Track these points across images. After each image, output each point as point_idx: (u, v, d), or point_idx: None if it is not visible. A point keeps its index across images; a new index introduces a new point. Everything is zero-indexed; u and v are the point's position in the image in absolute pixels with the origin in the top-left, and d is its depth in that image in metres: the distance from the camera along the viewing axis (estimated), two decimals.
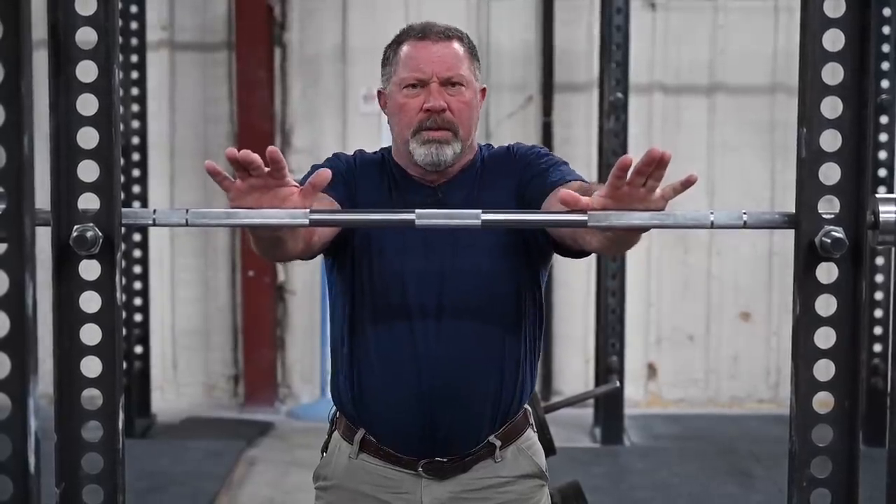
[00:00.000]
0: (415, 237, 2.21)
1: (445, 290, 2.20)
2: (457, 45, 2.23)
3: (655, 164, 1.66)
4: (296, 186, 1.78)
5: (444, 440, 2.23)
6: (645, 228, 1.75)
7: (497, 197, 2.23)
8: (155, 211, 1.62)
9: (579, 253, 2.18)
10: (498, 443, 2.26)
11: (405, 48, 2.24)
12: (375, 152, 2.36)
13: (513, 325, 2.25)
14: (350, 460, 2.28)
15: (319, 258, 2.30)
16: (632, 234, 1.91)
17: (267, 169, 1.73)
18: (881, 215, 1.51)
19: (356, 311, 2.25)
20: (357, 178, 2.27)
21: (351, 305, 2.26)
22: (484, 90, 2.30)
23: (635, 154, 1.65)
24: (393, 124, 2.26)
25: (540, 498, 2.33)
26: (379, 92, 2.32)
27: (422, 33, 2.24)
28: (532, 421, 2.36)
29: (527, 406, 2.34)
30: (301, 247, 2.05)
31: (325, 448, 2.36)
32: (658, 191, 1.69)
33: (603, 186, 1.72)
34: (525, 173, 2.24)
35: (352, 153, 2.35)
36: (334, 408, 2.36)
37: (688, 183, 1.67)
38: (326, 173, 1.80)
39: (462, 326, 2.21)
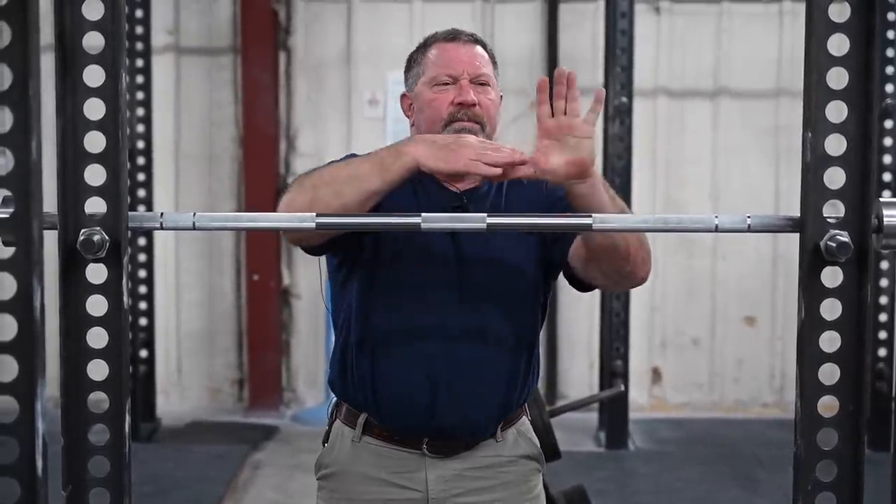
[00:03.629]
0: None
1: (467, 279, 2.22)
2: (481, 50, 2.30)
3: (565, 82, 1.91)
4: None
5: (451, 428, 2.24)
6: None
7: (523, 211, 2.23)
8: (162, 214, 1.63)
9: (589, 286, 2.30)
10: (499, 424, 2.30)
11: (433, 50, 2.29)
12: None
13: (528, 323, 2.29)
14: (353, 444, 2.29)
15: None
16: (632, 266, 2.22)
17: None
18: (885, 219, 1.51)
19: (374, 294, 2.24)
20: None
21: (368, 291, 2.25)
22: (501, 97, 2.32)
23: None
24: (421, 121, 2.28)
25: (536, 483, 2.36)
26: (403, 95, 2.35)
27: (450, 36, 2.30)
28: (526, 409, 2.40)
29: None
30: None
31: (325, 439, 2.37)
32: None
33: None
34: (556, 206, 2.21)
35: None
36: (332, 401, 2.37)
37: (598, 100, 1.93)
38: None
39: (481, 317, 2.23)
